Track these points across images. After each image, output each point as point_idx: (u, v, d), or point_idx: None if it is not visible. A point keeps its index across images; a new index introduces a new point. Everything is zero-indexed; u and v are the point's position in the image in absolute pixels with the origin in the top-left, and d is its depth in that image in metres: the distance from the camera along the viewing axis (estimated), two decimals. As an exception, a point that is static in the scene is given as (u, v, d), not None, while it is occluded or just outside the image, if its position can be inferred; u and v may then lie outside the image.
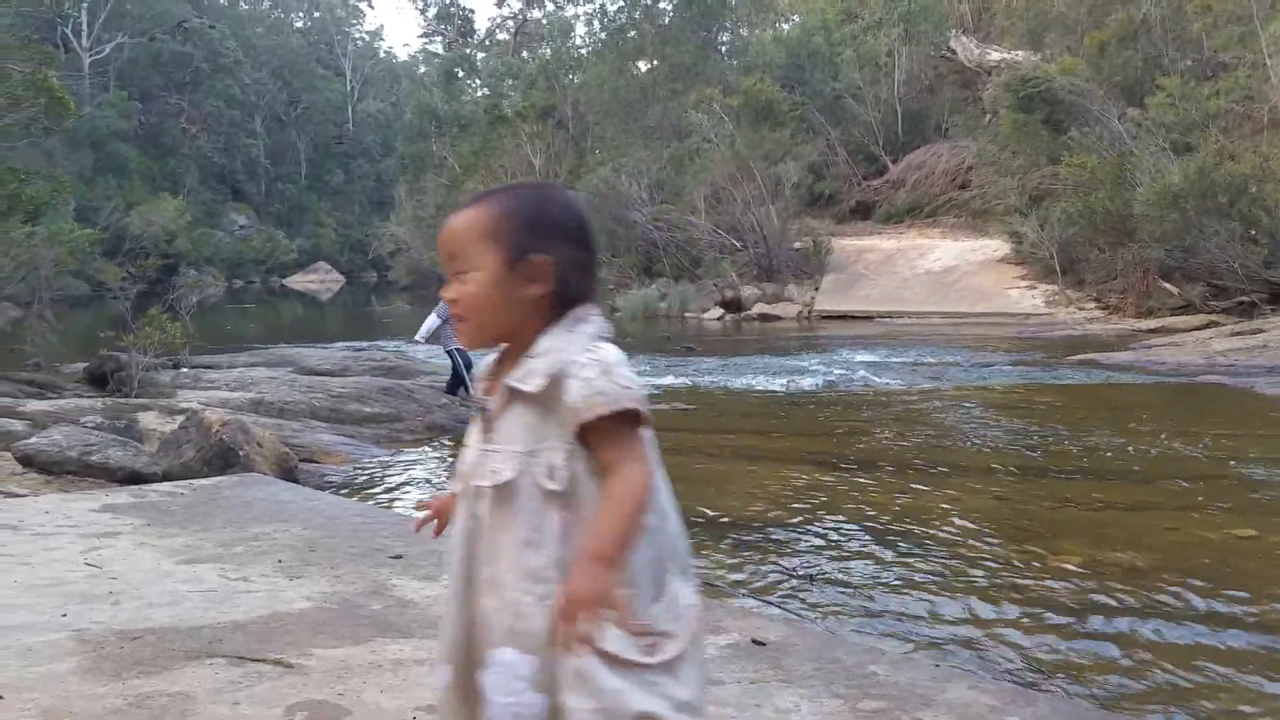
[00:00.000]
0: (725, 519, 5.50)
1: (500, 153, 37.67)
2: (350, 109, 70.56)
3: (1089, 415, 8.88)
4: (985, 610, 4.04)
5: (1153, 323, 17.09)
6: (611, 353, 1.41)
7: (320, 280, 56.07)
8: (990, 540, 5.04)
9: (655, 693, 1.31)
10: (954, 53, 34.65)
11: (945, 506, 5.71)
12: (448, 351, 9.45)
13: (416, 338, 9.56)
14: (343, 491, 6.18)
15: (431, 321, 9.22)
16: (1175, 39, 23.62)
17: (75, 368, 11.17)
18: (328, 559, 3.61)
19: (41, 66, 11.15)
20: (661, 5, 37.60)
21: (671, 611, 1.36)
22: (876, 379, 11.76)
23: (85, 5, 45.11)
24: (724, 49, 38.71)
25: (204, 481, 5.15)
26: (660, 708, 1.31)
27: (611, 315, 24.88)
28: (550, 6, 53.52)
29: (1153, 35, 23.63)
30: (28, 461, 5.68)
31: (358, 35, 76.14)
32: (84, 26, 50.66)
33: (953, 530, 5.21)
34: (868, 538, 5.08)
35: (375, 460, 7.31)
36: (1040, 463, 6.98)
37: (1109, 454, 7.17)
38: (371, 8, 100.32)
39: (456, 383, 9.34)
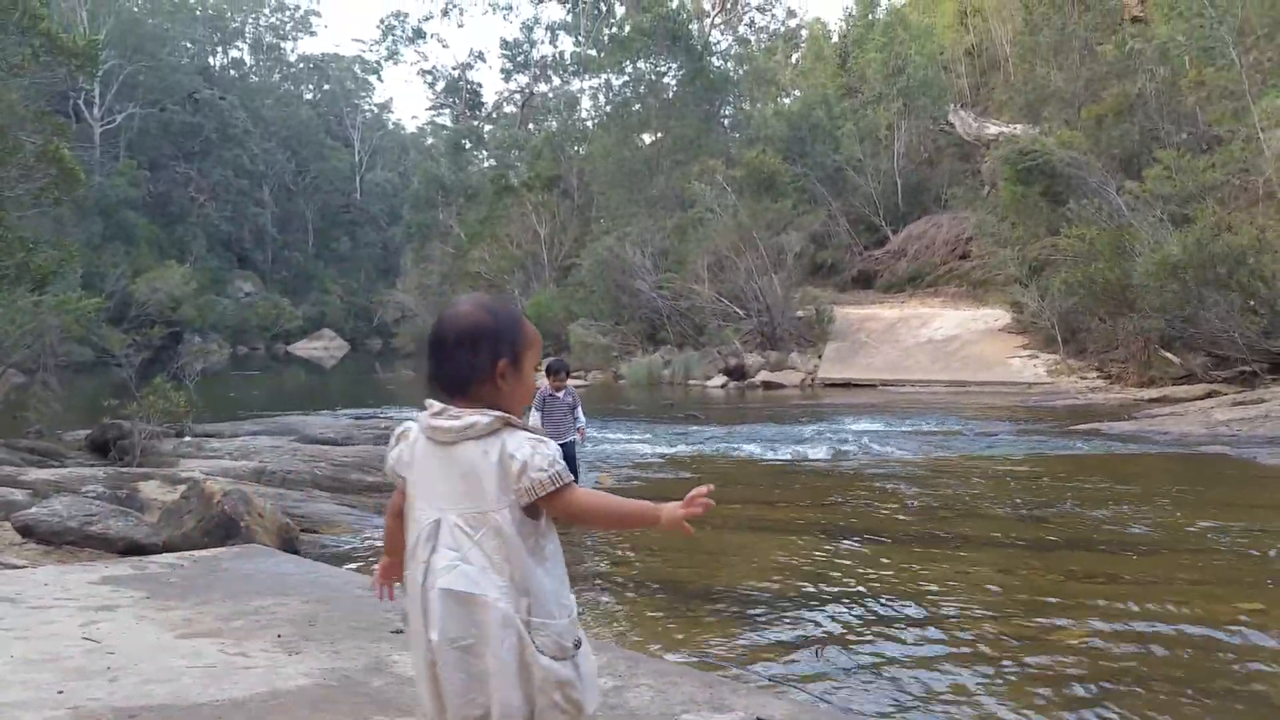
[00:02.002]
0: (728, 591, 5.45)
1: (506, 221, 38.17)
2: (358, 178, 71.61)
3: (1093, 486, 8.83)
4: (993, 687, 3.98)
5: (1155, 392, 17.07)
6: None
7: (325, 347, 56.30)
8: (996, 614, 4.98)
9: None
10: (953, 126, 35.28)
11: (950, 579, 5.66)
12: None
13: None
14: (344, 563, 6.14)
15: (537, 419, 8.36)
16: (1170, 113, 24.03)
17: (77, 435, 11.16)
18: (328, 634, 3.58)
19: (54, 138, 11.35)
20: (666, 80, 38.39)
21: None
22: (880, 448, 11.73)
23: (98, 77, 46.09)
24: (727, 122, 39.43)
25: (204, 553, 5.12)
26: None
27: (616, 382, 25.04)
28: (556, 81, 54.69)
29: (1149, 109, 24.04)
30: (27, 532, 5.66)
31: (367, 107, 77.60)
32: (96, 97, 51.70)
33: (958, 603, 5.16)
34: (873, 611, 5.03)
35: (377, 530, 7.27)
36: (1045, 535, 6.93)
37: (1114, 526, 7.13)
38: (381, 81, 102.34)
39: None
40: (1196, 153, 21.84)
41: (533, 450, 1.79)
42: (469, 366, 1.83)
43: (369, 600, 4.15)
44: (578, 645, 1.82)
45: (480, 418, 1.79)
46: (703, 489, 1.91)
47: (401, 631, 3.67)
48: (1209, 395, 15.82)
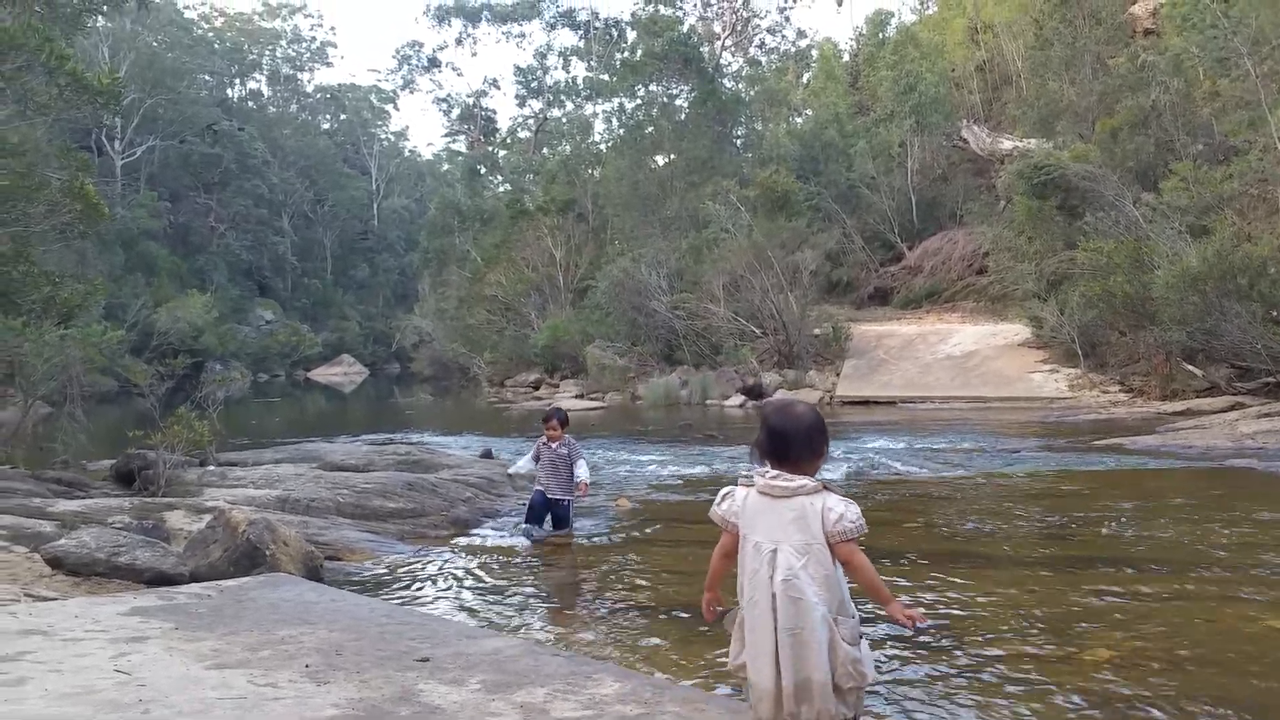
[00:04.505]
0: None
1: (522, 245, 38.35)
2: (375, 206, 72.22)
3: (1118, 502, 8.77)
4: (1020, 709, 3.95)
5: (1178, 405, 16.94)
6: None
7: (344, 372, 56.64)
8: (1020, 633, 4.95)
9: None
10: (966, 142, 35.28)
11: (973, 599, 5.63)
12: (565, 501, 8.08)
13: (515, 471, 8.53)
14: (368, 590, 6.16)
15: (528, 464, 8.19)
16: (1185, 124, 23.95)
17: (102, 465, 11.25)
18: (355, 663, 3.60)
19: (79, 174, 11.51)
20: (678, 102, 38.60)
21: None
22: (901, 466, 11.68)
23: (119, 110, 46.70)
24: (739, 142, 39.58)
25: (230, 583, 5.16)
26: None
27: (634, 403, 25.05)
28: (569, 105, 55.00)
29: (1163, 121, 23.97)
30: (57, 563, 5.71)
31: (383, 136, 78.33)
32: (118, 131, 52.37)
33: (982, 623, 5.13)
34: (896, 633, 5.00)
35: (399, 557, 7.30)
36: (1070, 552, 6.88)
37: (1140, 542, 7.07)
38: (397, 109, 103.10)
39: (531, 520, 8.04)
40: (1213, 164, 21.75)
41: (846, 507, 2.66)
42: (808, 450, 2.73)
43: (394, 629, 4.18)
44: (860, 637, 2.70)
45: (808, 481, 2.68)
46: (921, 617, 2.75)
47: (427, 660, 3.70)
48: (1234, 408, 15.68)
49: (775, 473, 2.70)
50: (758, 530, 2.67)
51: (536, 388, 31.38)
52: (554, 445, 7.93)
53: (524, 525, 7.99)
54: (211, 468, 10.74)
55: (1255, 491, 9.31)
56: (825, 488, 2.68)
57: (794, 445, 2.72)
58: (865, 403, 21.99)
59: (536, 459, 8.05)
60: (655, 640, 5.06)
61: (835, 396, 23.08)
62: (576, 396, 27.38)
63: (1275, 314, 16.34)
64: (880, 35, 43.85)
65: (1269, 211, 20.28)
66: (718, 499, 2.82)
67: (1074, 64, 29.56)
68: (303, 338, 56.74)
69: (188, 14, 65.49)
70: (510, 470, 8.42)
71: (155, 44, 57.21)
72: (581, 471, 7.89)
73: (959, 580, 6.10)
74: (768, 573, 2.61)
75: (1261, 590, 5.64)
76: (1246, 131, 21.98)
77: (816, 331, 26.60)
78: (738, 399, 23.63)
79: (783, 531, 2.63)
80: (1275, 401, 15.35)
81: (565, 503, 7.98)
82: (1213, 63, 24.34)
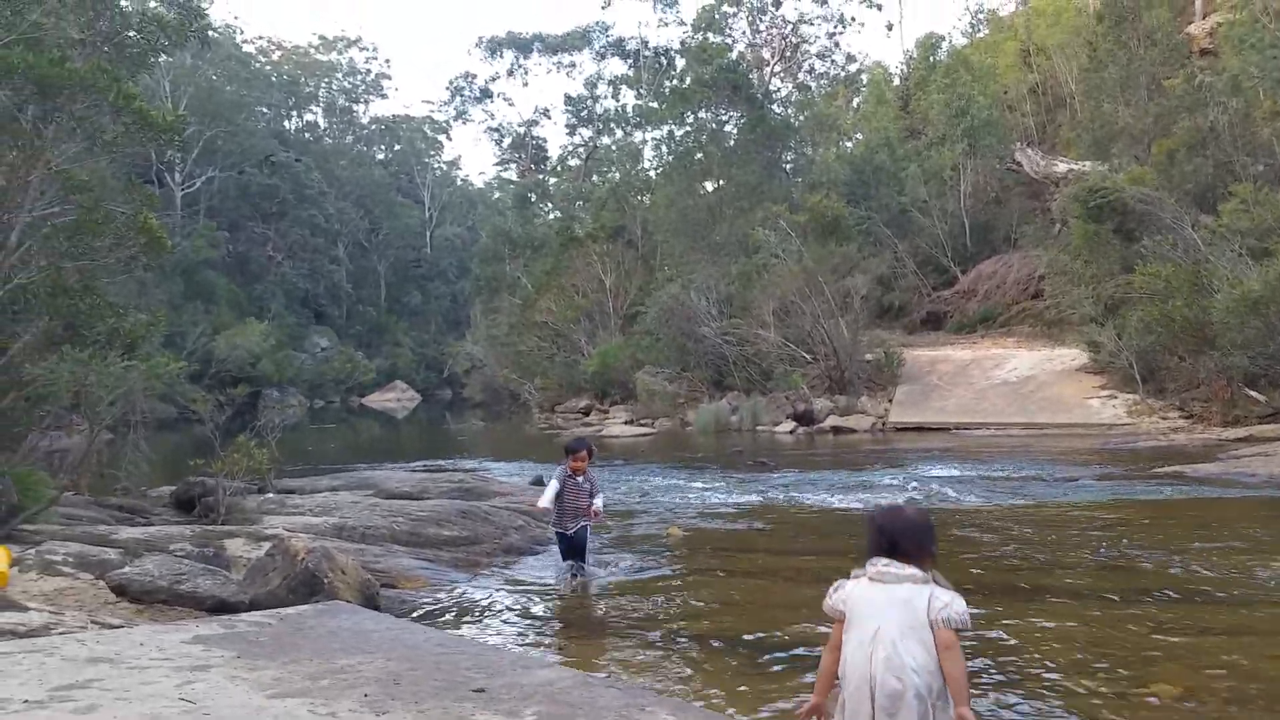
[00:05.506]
0: (805, 649, 5.39)
1: (572, 272, 38.59)
2: (428, 234, 73.20)
3: (1180, 533, 8.57)
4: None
5: (1240, 431, 16.51)
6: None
7: (397, 398, 57.28)
8: (1082, 668, 4.85)
9: None
10: (1019, 165, 34.90)
11: (1032, 632, 5.54)
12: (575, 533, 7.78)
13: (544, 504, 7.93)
14: (424, 618, 6.23)
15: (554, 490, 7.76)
16: (1245, 145, 23.48)
17: (162, 491, 11.51)
18: (412, 693, 3.64)
19: (143, 207, 11.82)
20: (727, 128, 38.70)
21: None
22: (956, 495, 11.53)
23: (181, 144, 47.92)
24: (789, 167, 39.51)
25: (290, 611, 5.25)
26: None
27: (684, 429, 25.03)
28: (619, 133, 55.36)
29: (1221, 142, 23.52)
30: (121, 591, 5.86)
31: (436, 165, 79.36)
32: (178, 163, 53.73)
33: (1041, 658, 5.04)
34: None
35: (454, 585, 7.36)
36: (1131, 584, 6.73)
37: (1203, 574, 6.90)
38: (450, 139, 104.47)
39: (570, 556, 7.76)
40: (1274, 185, 21.28)
41: (953, 598, 2.80)
42: (916, 548, 2.91)
43: (450, 658, 4.22)
44: None
45: (918, 571, 2.85)
46: None
47: (482, 690, 3.73)
48: (1300, 435, 15.26)
49: (887, 561, 2.86)
50: (863, 613, 2.81)
51: (587, 414, 31.47)
52: (579, 479, 7.63)
53: (569, 565, 7.67)
54: (270, 495, 10.94)
55: (1325, 522, 9.05)
56: (934, 581, 2.83)
57: (901, 542, 2.90)
58: (919, 429, 21.73)
59: (560, 492, 7.61)
60: (708, 672, 5.05)
61: (888, 423, 22.84)
62: (626, 422, 27.42)
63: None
64: (931, 59, 43.63)
65: (1335, 233, 19.75)
66: (830, 591, 2.95)
67: (1129, 86, 29.14)
68: (357, 364, 57.52)
69: (246, 48, 67.15)
70: (541, 504, 8.07)
71: (214, 78, 58.73)
72: (598, 501, 7.66)
73: (1014, 614, 6.00)
74: (868, 651, 2.73)
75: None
76: (1310, 151, 21.51)
77: (868, 357, 26.36)
78: (789, 425, 23.49)
79: (887, 613, 2.77)
80: (1345, 428, 14.92)
81: (584, 528, 7.71)
82: (1273, 83, 23.85)
